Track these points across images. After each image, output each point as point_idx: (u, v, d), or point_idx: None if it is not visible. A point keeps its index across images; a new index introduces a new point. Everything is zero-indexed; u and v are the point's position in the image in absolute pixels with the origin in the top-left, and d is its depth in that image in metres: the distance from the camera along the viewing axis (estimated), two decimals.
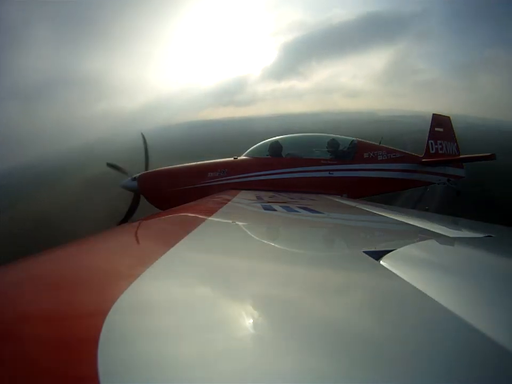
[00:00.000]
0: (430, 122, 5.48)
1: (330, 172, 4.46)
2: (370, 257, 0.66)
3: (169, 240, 0.92)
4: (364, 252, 0.70)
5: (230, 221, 1.42)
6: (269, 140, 4.72)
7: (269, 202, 2.31)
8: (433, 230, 1.10)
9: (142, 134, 4.78)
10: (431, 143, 5.34)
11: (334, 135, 4.90)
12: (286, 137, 4.81)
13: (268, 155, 4.56)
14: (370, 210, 1.93)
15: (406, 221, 1.40)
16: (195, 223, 1.21)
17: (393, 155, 4.84)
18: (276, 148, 4.57)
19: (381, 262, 0.65)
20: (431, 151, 5.31)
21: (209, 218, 1.34)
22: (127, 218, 4.30)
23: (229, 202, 2.18)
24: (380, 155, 4.74)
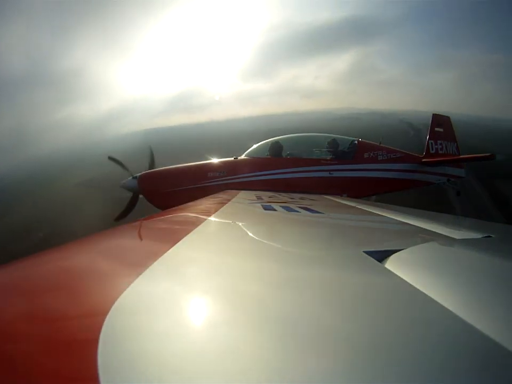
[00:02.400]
0: (430, 122, 5.49)
1: (330, 172, 4.47)
2: (370, 257, 0.66)
3: (169, 240, 0.92)
4: (364, 252, 0.70)
5: (230, 221, 1.42)
6: (269, 139, 4.72)
7: (269, 202, 2.30)
8: (433, 230, 1.10)
9: (150, 147, 4.90)
10: (431, 143, 5.34)
11: (334, 135, 4.90)
12: (286, 137, 4.81)
13: (268, 155, 4.56)
14: (370, 210, 1.93)
15: (406, 221, 1.40)
16: (195, 223, 1.21)
17: (393, 155, 4.85)
18: (276, 148, 4.57)
19: (381, 262, 0.65)
20: (431, 151, 5.31)
21: (209, 218, 1.34)
22: (121, 216, 4.29)
23: (229, 202, 2.18)
24: (380, 155, 4.75)
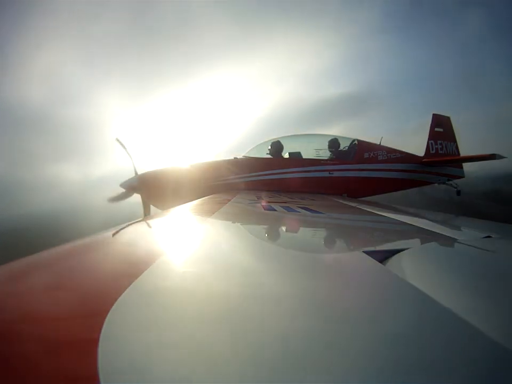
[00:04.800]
0: (430, 122, 5.49)
1: (330, 172, 4.47)
2: (370, 257, 0.66)
3: (169, 240, 0.92)
4: (363, 251, 0.70)
5: (230, 221, 1.42)
6: (269, 139, 4.72)
7: (269, 202, 2.31)
8: (433, 230, 1.10)
9: (117, 139, 4.48)
10: (431, 143, 5.35)
11: (335, 135, 4.90)
12: (286, 137, 4.81)
13: (268, 155, 4.56)
14: (370, 210, 1.93)
15: (406, 221, 1.40)
16: (195, 223, 1.21)
17: (394, 155, 4.85)
18: (276, 148, 4.57)
19: (381, 262, 0.65)
20: (431, 151, 5.31)
21: (209, 218, 1.35)
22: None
23: (229, 202, 2.18)
24: (380, 155, 4.75)
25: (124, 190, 4.28)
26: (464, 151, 5.65)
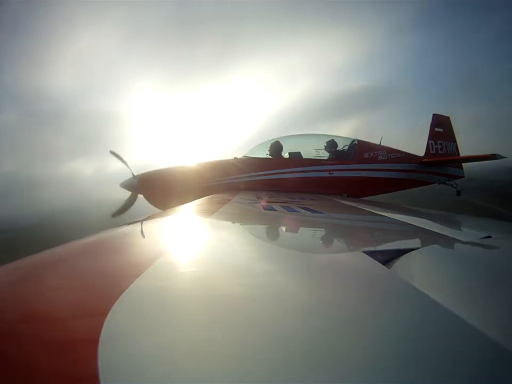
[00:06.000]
0: (430, 122, 5.49)
1: (330, 172, 4.47)
2: (370, 257, 0.66)
3: (169, 240, 0.92)
4: (363, 251, 0.70)
5: (230, 221, 1.42)
6: (269, 139, 4.72)
7: (269, 202, 2.31)
8: (433, 229, 1.10)
9: (111, 151, 4.37)
10: (431, 143, 5.35)
11: (334, 135, 4.90)
12: (286, 137, 4.81)
13: (268, 155, 4.56)
14: (371, 210, 1.93)
15: (406, 221, 1.40)
16: (195, 223, 1.21)
17: (394, 155, 4.85)
18: (276, 148, 4.57)
19: (381, 262, 0.64)
20: (431, 151, 5.31)
21: (209, 218, 1.35)
22: (119, 213, 4.16)
23: (229, 202, 2.18)
24: (380, 155, 4.75)
25: (126, 196, 4.23)
26: (466, 151, 5.65)
